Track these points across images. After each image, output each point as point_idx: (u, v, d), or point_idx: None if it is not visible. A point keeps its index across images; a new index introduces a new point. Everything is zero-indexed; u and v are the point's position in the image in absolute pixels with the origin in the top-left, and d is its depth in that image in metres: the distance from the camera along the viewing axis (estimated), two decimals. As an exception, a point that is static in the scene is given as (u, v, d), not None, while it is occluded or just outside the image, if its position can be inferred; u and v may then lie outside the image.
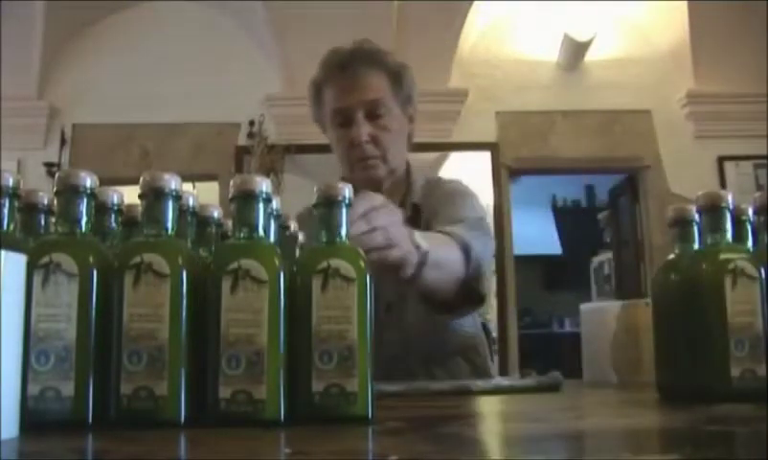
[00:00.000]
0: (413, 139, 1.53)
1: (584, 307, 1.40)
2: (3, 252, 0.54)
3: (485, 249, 1.31)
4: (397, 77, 1.44)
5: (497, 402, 0.95)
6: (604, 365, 1.26)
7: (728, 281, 0.78)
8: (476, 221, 1.37)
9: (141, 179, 0.67)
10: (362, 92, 1.39)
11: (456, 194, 1.48)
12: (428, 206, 1.44)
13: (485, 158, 4.45)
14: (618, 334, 1.24)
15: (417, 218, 1.40)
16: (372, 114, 1.40)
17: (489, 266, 1.40)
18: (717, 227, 0.82)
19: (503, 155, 4.48)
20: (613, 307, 1.32)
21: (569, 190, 7.38)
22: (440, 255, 1.11)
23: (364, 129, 1.38)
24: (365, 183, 1.37)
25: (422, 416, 0.78)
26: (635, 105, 4.54)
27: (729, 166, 4.48)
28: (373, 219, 0.95)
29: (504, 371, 3.98)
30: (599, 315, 1.33)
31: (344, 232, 0.69)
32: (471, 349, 1.50)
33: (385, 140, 1.41)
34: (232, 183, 0.68)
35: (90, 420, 0.61)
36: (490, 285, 1.35)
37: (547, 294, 7.27)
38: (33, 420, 0.58)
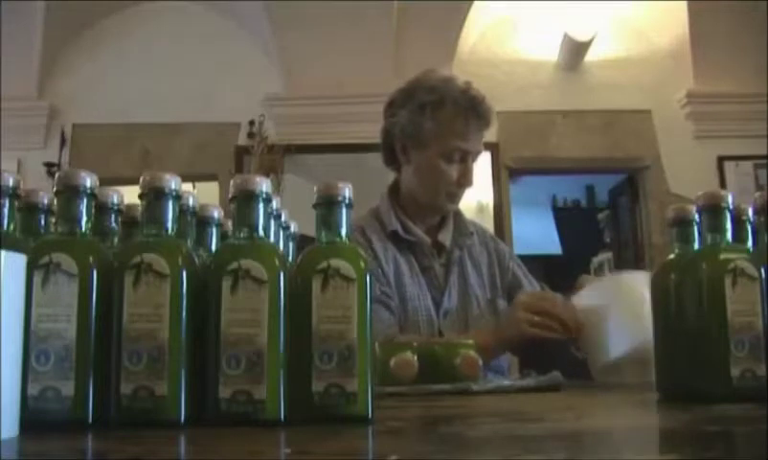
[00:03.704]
0: None
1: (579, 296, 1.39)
2: (3, 252, 0.54)
3: None
4: None
5: (497, 402, 0.95)
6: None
7: (728, 281, 0.78)
8: None
9: (141, 179, 0.67)
10: (480, 144, 1.56)
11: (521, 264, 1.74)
12: (493, 254, 1.65)
13: (485, 158, 4.44)
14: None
15: (471, 246, 1.62)
16: (473, 161, 1.56)
17: None
18: (717, 227, 0.82)
19: (503, 155, 4.48)
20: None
21: (569, 190, 7.37)
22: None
23: (472, 175, 1.55)
24: (439, 210, 1.59)
25: (422, 416, 0.78)
26: (635, 105, 4.54)
27: (729, 166, 4.48)
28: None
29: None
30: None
31: (344, 232, 0.69)
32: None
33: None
34: (232, 183, 0.68)
35: (90, 420, 0.61)
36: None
37: (547, 294, 7.25)
38: (33, 420, 0.58)
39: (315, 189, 0.70)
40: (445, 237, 1.59)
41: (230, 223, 0.74)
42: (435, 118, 1.51)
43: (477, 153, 1.55)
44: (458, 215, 1.64)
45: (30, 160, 4.22)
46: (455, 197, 1.56)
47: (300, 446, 0.54)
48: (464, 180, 1.53)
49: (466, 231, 1.62)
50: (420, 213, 1.58)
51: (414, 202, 1.58)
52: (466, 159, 1.52)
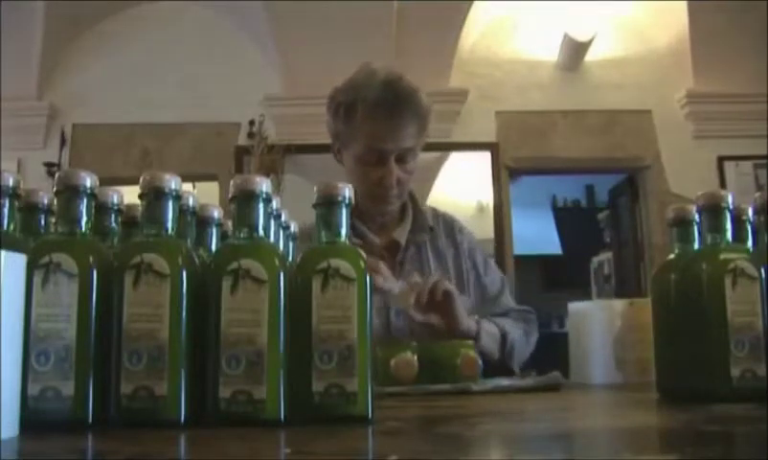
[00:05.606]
0: None
1: (572, 306, 1.39)
2: (3, 252, 0.54)
3: (528, 337, 1.55)
4: (425, 121, 1.49)
5: (497, 402, 0.95)
6: (602, 364, 1.26)
7: (728, 281, 0.78)
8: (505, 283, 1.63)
9: (141, 179, 0.67)
10: (400, 140, 1.44)
11: (488, 258, 1.66)
12: (461, 246, 1.58)
13: (485, 158, 4.45)
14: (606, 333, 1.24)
15: (434, 238, 1.56)
16: (402, 158, 1.46)
17: (524, 346, 1.56)
18: (717, 227, 0.82)
19: (503, 155, 4.48)
20: (602, 305, 1.34)
21: (569, 190, 7.38)
22: (489, 330, 1.42)
23: (395, 175, 1.45)
24: (377, 213, 1.51)
25: (422, 416, 0.78)
26: (635, 105, 4.54)
27: (729, 166, 4.47)
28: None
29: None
30: (585, 315, 1.33)
31: (344, 232, 0.69)
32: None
33: (406, 181, 1.49)
34: (232, 183, 0.68)
35: (90, 420, 0.61)
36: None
37: (547, 294, 7.26)
38: (33, 420, 0.58)
39: (315, 189, 0.70)
40: (401, 234, 1.52)
41: (230, 223, 0.74)
42: (347, 121, 1.46)
43: (403, 150, 1.44)
44: (417, 209, 1.57)
45: (30, 160, 4.21)
46: (384, 197, 1.48)
47: (300, 446, 0.54)
48: (387, 181, 1.44)
49: (425, 227, 1.55)
50: (368, 212, 1.52)
51: (362, 208, 1.51)
52: (386, 159, 1.43)
